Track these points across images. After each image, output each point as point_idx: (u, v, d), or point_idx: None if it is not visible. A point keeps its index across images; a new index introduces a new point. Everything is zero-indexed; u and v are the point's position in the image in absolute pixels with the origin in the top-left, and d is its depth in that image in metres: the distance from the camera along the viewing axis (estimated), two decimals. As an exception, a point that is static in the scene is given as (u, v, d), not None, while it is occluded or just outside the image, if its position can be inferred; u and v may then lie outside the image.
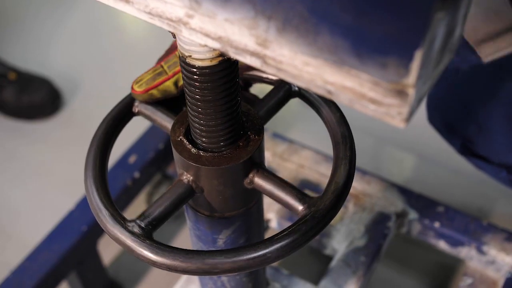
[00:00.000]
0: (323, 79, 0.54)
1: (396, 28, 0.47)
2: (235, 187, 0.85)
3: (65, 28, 2.82)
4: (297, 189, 0.81)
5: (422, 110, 1.51)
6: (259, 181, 0.84)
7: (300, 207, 0.79)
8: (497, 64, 1.06)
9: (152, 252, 0.76)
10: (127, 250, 0.77)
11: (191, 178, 0.84)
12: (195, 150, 0.83)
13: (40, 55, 2.67)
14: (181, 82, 0.90)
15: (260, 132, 0.85)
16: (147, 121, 1.78)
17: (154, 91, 0.90)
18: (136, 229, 0.78)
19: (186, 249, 0.76)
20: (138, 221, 0.79)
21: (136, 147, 1.75)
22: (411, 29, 0.47)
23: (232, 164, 0.81)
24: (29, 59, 2.60)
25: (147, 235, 0.78)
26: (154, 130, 1.80)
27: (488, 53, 0.98)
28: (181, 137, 0.84)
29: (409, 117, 0.53)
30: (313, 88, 0.56)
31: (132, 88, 0.91)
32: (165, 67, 0.91)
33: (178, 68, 0.89)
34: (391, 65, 0.50)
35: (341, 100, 0.55)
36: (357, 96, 0.54)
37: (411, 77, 0.49)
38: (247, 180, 0.84)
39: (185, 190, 0.84)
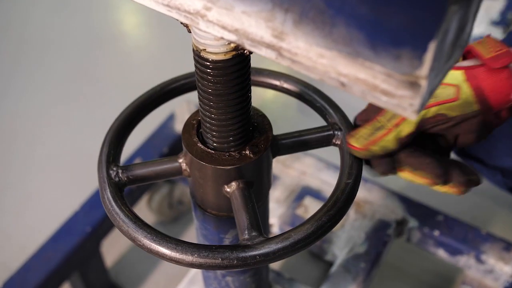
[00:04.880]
0: (336, 71, 0.56)
1: (411, 20, 0.49)
2: (215, 188, 0.87)
3: (66, 33, 2.84)
4: (255, 220, 0.81)
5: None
6: (234, 195, 0.85)
7: (243, 236, 0.80)
8: None
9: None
10: (102, 197, 0.85)
11: (186, 161, 0.88)
12: (196, 139, 0.86)
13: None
14: (402, 134, 0.86)
15: (263, 147, 0.86)
16: (152, 125, 1.80)
17: (374, 147, 0.86)
18: (115, 176, 0.86)
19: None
20: (120, 170, 0.87)
21: (140, 151, 1.76)
22: (426, 21, 0.48)
23: (216, 166, 0.83)
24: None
25: (119, 185, 0.86)
26: (158, 134, 1.82)
27: None
28: (192, 130, 0.86)
29: (420, 109, 0.54)
30: (326, 80, 0.57)
31: (348, 143, 0.88)
32: (384, 120, 0.86)
33: (399, 119, 0.85)
34: (405, 57, 0.51)
35: (354, 92, 0.56)
36: (370, 88, 0.55)
37: (424, 69, 0.51)
38: (225, 188, 0.86)
39: (175, 166, 0.89)
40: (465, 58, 0.89)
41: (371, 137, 0.86)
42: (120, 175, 0.86)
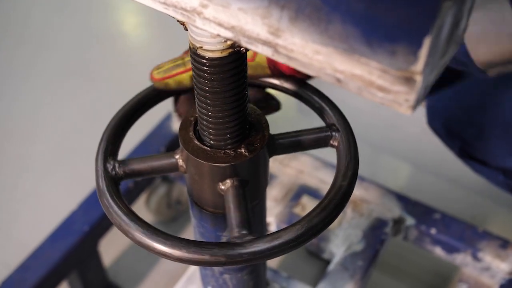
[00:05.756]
0: (332, 67, 0.56)
1: (406, 16, 0.49)
2: (210, 186, 0.87)
3: (66, 33, 2.84)
4: (248, 221, 0.81)
5: (417, 121, 1.53)
6: (228, 193, 0.85)
7: (233, 234, 0.80)
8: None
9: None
10: (97, 190, 0.86)
11: (182, 157, 0.88)
12: (192, 136, 0.86)
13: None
14: None
15: (259, 145, 0.86)
16: (149, 125, 1.81)
17: (170, 81, 0.93)
18: (112, 170, 0.87)
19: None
20: (117, 164, 0.87)
21: (138, 150, 1.77)
22: (421, 16, 0.49)
23: (211, 163, 0.83)
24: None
25: (115, 179, 0.86)
26: (156, 133, 1.82)
27: (496, 72, 0.98)
28: (189, 127, 0.87)
29: (415, 105, 0.55)
30: (322, 76, 0.58)
31: (151, 74, 0.95)
32: (185, 60, 0.93)
33: None
34: (400, 52, 0.51)
35: (350, 88, 0.57)
36: (366, 84, 0.55)
37: (419, 64, 0.51)
38: (220, 186, 0.86)
39: (171, 162, 0.89)
40: None
41: (170, 71, 0.93)
42: (117, 169, 0.87)
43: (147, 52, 2.83)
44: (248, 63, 0.86)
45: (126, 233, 0.80)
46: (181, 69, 0.93)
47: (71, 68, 2.65)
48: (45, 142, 2.31)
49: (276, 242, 0.76)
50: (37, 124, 2.39)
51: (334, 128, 0.90)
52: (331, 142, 0.90)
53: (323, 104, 0.94)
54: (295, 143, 0.92)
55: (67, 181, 2.14)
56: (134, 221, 0.79)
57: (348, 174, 0.84)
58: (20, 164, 2.23)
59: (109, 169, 0.86)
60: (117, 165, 0.87)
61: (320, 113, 0.94)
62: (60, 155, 2.25)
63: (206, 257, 0.75)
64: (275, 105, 1.02)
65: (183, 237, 0.78)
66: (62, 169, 2.19)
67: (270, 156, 0.91)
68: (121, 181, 0.88)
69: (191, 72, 0.89)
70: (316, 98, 0.95)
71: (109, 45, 2.82)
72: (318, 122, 0.95)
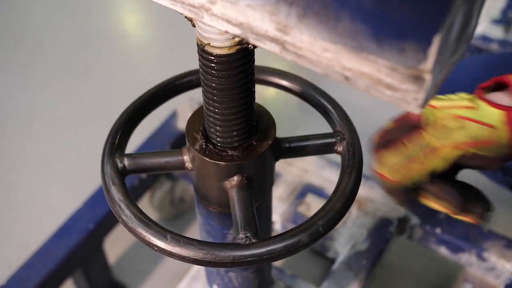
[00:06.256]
0: (341, 64, 0.56)
1: (416, 13, 0.49)
2: (217, 184, 0.87)
3: (66, 32, 2.84)
4: (252, 222, 0.81)
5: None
6: (232, 192, 0.85)
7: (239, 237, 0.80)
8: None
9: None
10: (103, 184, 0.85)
11: (189, 155, 0.88)
12: (198, 136, 0.86)
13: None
14: (437, 170, 0.85)
15: (266, 145, 0.85)
16: (153, 123, 1.80)
17: (408, 181, 0.86)
18: (119, 163, 0.86)
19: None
20: (125, 157, 0.87)
21: (143, 148, 1.77)
22: (431, 14, 0.48)
23: (216, 162, 0.83)
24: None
25: (122, 173, 0.86)
26: (161, 131, 1.82)
27: None
28: (196, 124, 0.87)
29: (424, 104, 0.54)
30: (330, 74, 0.57)
31: (382, 175, 0.87)
32: (415, 150, 0.85)
33: (430, 147, 0.84)
34: (409, 50, 0.51)
35: (358, 86, 0.56)
36: (374, 82, 0.55)
37: (429, 63, 0.51)
38: (226, 184, 0.85)
39: (178, 160, 0.89)
40: (499, 86, 0.88)
41: (404, 169, 0.84)
42: (124, 163, 0.87)
43: (147, 52, 2.83)
44: (490, 146, 0.82)
45: (132, 230, 0.79)
46: (417, 166, 0.84)
47: (71, 68, 2.65)
48: (45, 142, 2.31)
49: (280, 245, 0.76)
50: (37, 124, 2.39)
51: (340, 135, 0.90)
52: (336, 148, 0.90)
53: (330, 108, 0.93)
54: (301, 148, 0.92)
55: (67, 181, 2.14)
56: (140, 218, 0.79)
57: (347, 189, 0.83)
58: (20, 164, 2.23)
59: (117, 163, 0.86)
60: (125, 159, 0.87)
61: (327, 117, 0.94)
62: (60, 155, 2.25)
63: (212, 257, 0.75)
64: (485, 208, 0.92)
65: (184, 236, 0.78)
66: (62, 169, 2.19)
67: (276, 159, 0.91)
68: (127, 176, 0.87)
69: (431, 169, 0.84)
70: (323, 101, 0.94)
71: (109, 45, 2.82)
72: (319, 122, 0.94)
